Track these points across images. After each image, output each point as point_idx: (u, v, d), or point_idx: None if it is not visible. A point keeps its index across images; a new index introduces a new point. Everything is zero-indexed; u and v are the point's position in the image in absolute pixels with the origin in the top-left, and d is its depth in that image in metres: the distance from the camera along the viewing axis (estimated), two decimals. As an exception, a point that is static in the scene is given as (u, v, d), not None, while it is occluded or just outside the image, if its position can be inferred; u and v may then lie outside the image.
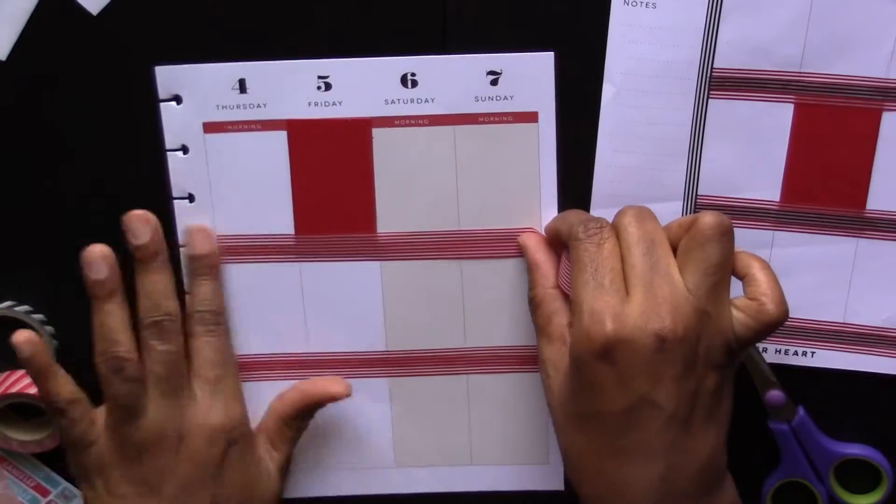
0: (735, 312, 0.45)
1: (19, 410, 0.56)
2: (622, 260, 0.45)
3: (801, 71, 0.50)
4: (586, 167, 0.52)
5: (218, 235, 0.53)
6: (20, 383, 0.54)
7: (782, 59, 0.50)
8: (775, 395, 0.53)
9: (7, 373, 0.55)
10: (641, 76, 0.50)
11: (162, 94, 0.52)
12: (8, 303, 0.55)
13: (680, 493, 0.45)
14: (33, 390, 0.54)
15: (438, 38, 0.51)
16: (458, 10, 0.50)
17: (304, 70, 0.51)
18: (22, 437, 0.56)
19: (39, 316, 0.55)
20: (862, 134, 0.50)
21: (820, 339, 0.53)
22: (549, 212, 0.52)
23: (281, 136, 0.52)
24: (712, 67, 0.50)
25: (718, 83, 0.50)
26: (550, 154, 0.51)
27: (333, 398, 0.53)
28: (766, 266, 0.46)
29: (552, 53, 0.50)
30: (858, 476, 0.55)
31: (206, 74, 0.51)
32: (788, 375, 0.53)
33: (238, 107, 0.51)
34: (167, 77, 0.51)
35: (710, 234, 0.44)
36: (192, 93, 0.51)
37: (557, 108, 0.51)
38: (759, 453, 0.55)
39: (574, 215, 0.48)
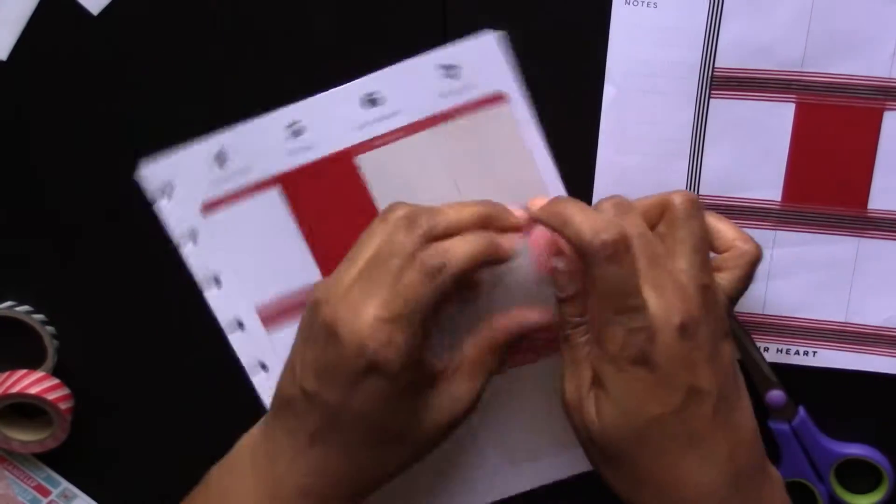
0: (717, 275, 0.46)
1: (20, 410, 0.55)
2: None
3: (803, 70, 0.50)
4: (587, 167, 0.52)
5: (256, 308, 0.53)
6: (20, 383, 0.54)
7: (784, 59, 0.50)
8: (776, 395, 0.53)
9: (7, 373, 0.55)
10: (643, 76, 0.50)
11: (152, 193, 0.52)
12: (8, 303, 0.55)
13: (747, 466, 0.45)
14: (34, 390, 0.54)
15: (440, 44, 0.51)
16: (459, 13, 0.50)
17: (272, 123, 0.51)
18: (23, 437, 0.56)
19: (40, 316, 0.55)
20: (863, 133, 0.50)
21: (821, 338, 0.53)
22: (554, 187, 0.52)
23: (276, 193, 0.52)
24: (714, 67, 0.50)
25: (720, 83, 0.50)
26: (531, 127, 0.51)
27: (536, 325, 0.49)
28: (719, 216, 0.48)
29: (496, 33, 0.50)
30: (859, 476, 0.55)
31: (187, 160, 0.51)
32: (790, 375, 0.53)
33: (226, 179, 0.52)
34: (152, 174, 0.52)
35: (689, 211, 0.45)
36: (179, 183, 0.52)
37: (559, 101, 0.51)
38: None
39: (578, 217, 0.45)
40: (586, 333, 0.46)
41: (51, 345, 0.55)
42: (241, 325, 0.54)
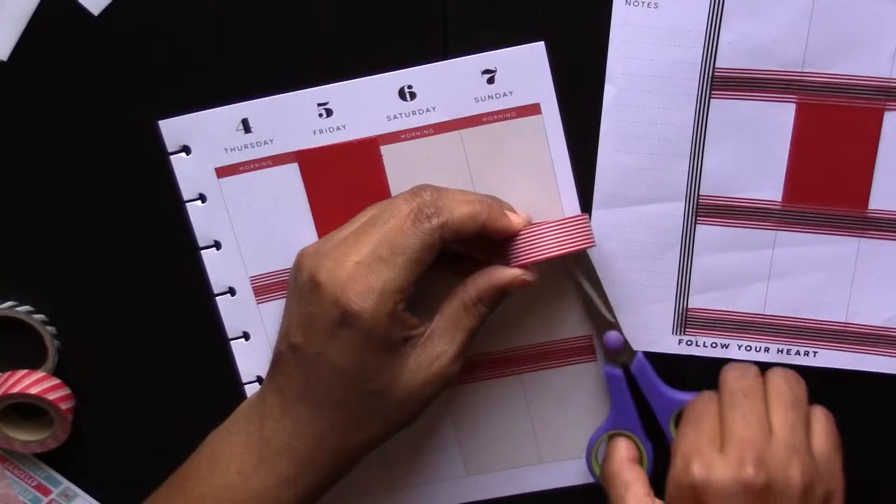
0: None
1: (21, 410, 0.56)
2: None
3: (803, 71, 0.50)
4: (588, 167, 0.52)
5: (250, 277, 0.54)
6: (21, 383, 0.54)
7: (784, 59, 0.50)
8: (613, 336, 0.51)
9: (8, 373, 0.55)
10: (643, 76, 0.50)
11: (170, 146, 0.52)
12: (9, 303, 0.55)
13: None
14: (35, 390, 0.54)
15: (439, 45, 0.51)
16: (459, 15, 0.50)
17: (303, 100, 0.51)
18: (24, 437, 0.56)
19: (41, 316, 0.55)
20: (864, 134, 0.50)
21: (822, 338, 0.53)
22: (569, 201, 0.52)
23: (293, 169, 0.52)
24: (714, 67, 0.50)
25: (720, 83, 0.50)
26: (560, 143, 0.51)
27: (524, 285, 0.49)
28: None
29: (542, 43, 0.50)
30: None
31: (210, 120, 0.52)
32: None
33: (246, 147, 0.52)
34: (172, 129, 0.52)
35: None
36: (198, 141, 0.52)
37: (559, 101, 0.51)
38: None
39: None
40: None
41: (52, 345, 0.55)
42: (232, 291, 0.54)
